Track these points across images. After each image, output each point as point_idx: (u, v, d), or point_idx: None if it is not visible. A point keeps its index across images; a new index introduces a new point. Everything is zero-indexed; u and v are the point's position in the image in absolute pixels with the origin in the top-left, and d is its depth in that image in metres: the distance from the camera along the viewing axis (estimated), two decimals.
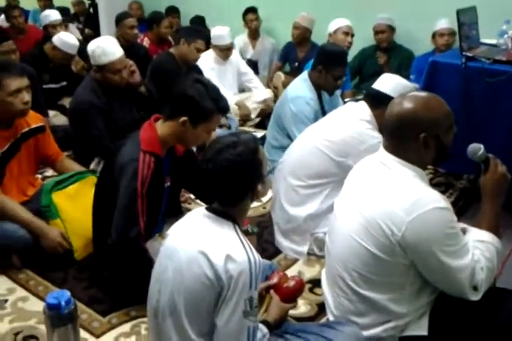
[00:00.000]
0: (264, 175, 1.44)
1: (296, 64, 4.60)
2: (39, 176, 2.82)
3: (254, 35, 5.09)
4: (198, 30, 3.82)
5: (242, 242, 1.38)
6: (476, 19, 2.87)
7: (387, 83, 2.22)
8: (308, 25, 4.53)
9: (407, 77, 4.25)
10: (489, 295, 1.51)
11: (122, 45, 3.75)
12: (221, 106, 1.91)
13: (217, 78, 4.10)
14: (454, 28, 3.93)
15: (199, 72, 3.84)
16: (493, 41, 3.00)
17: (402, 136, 1.51)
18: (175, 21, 5.66)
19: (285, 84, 4.20)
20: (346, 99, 3.80)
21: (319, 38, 4.33)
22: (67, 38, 3.82)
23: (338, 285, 1.63)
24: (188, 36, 3.53)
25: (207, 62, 4.13)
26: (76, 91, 3.01)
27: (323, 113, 3.10)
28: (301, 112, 2.89)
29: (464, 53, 2.58)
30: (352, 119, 2.23)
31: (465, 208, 2.88)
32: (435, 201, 1.45)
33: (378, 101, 2.20)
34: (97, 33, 5.84)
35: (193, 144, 2.06)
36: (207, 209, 1.48)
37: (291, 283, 1.68)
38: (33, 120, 2.43)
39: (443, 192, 3.05)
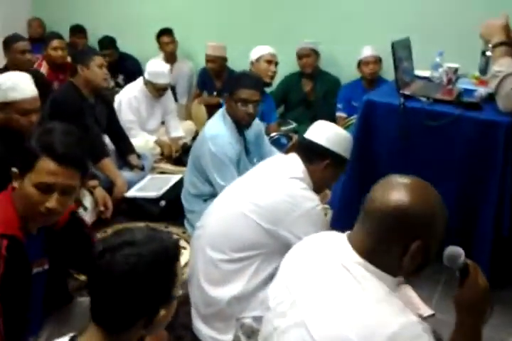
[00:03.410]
0: (172, 297, 1.04)
1: (215, 93, 4.25)
2: None
3: (170, 59, 4.65)
4: (88, 50, 3.47)
5: None
6: (410, 50, 2.63)
7: (322, 133, 1.88)
8: (221, 53, 4.18)
9: (333, 105, 4.03)
10: None
11: None
12: (54, 148, 1.36)
13: (144, 118, 3.74)
14: (379, 55, 3.76)
15: (108, 102, 3.36)
16: (427, 73, 2.79)
17: (387, 239, 1.10)
18: (81, 42, 5.10)
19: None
20: (272, 134, 3.48)
21: (239, 65, 3.98)
22: None
23: None
24: (82, 59, 3.07)
25: (134, 99, 3.69)
26: None
27: (247, 154, 2.73)
28: (222, 153, 2.49)
29: (401, 92, 2.31)
30: (282, 178, 1.84)
31: None
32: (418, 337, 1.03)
33: (313, 154, 1.86)
34: None
35: (29, 211, 1.42)
36: None
37: None
38: None
39: None
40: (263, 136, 2.92)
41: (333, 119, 3.89)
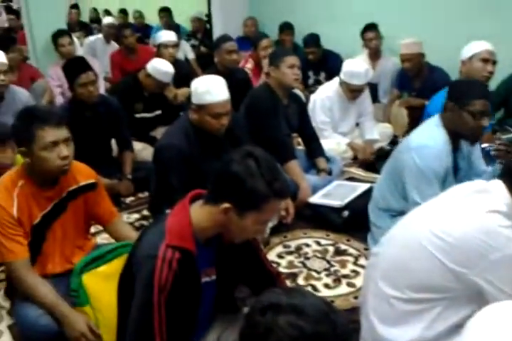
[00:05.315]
0: None
1: (414, 94, 3.90)
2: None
3: (374, 55, 4.44)
4: (280, 50, 3.36)
5: None
6: None
7: None
8: (416, 50, 3.80)
9: None
10: None
11: (220, 72, 3.40)
12: (277, 189, 1.38)
13: (337, 120, 3.65)
14: None
15: (301, 102, 3.31)
16: None
17: None
18: (288, 39, 5.21)
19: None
20: (483, 145, 2.99)
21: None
22: (160, 66, 3.56)
23: None
24: (273, 60, 3.04)
25: (327, 99, 3.61)
26: (167, 131, 2.62)
27: (455, 171, 2.34)
28: (428, 167, 2.16)
29: None
30: (478, 210, 1.48)
31: None
32: None
33: None
34: (212, 51, 5.60)
35: (240, 238, 1.52)
36: None
37: None
38: (83, 176, 2.08)
39: None
40: (477, 151, 2.49)
41: None
